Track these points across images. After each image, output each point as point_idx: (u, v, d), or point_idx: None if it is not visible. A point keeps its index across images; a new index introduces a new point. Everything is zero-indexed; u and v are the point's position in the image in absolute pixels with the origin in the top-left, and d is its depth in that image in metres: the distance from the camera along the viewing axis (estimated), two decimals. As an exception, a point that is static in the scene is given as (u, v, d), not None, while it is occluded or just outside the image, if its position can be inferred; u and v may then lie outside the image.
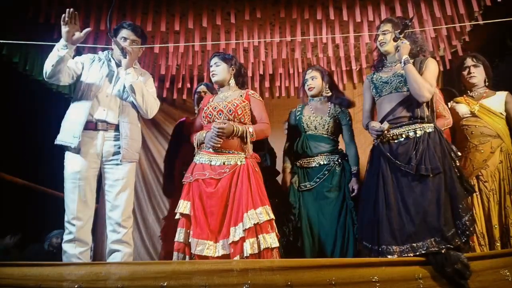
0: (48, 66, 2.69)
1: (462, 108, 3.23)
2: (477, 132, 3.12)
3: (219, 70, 2.93)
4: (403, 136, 2.64)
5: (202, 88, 3.61)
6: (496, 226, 2.92)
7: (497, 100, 3.18)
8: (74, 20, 2.66)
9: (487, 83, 3.28)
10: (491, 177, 3.03)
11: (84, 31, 2.70)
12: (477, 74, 3.25)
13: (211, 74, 2.96)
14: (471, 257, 2.34)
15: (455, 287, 2.22)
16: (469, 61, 3.29)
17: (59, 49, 2.66)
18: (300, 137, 3.23)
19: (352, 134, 3.21)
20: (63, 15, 2.64)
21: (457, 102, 3.30)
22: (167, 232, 3.40)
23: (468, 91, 3.31)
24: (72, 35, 2.67)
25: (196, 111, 3.63)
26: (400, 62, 2.68)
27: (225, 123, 2.70)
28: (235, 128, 2.71)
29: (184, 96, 5.00)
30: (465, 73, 3.29)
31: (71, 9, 2.65)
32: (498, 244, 2.88)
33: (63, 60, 2.68)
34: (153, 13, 3.74)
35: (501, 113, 3.14)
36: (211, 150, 2.76)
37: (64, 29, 2.64)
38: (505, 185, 3.00)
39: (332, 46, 4.06)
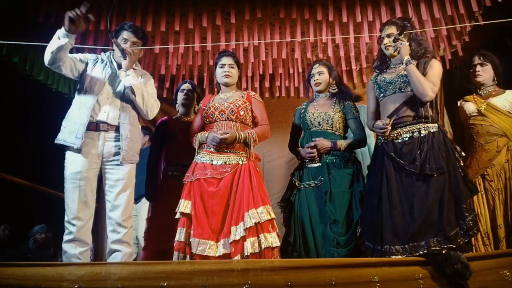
0: (48, 53, 2.66)
1: (470, 107, 3.21)
2: (483, 131, 3.11)
3: (234, 72, 2.92)
4: (407, 135, 2.64)
5: (188, 86, 3.58)
6: (501, 225, 2.91)
7: (505, 99, 3.15)
8: (84, 16, 2.60)
9: (496, 81, 3.25)
10: (497, 176, 3.02)
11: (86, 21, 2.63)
12: (483, 73, 3.22)
13: (224, 74, 2.90)
14: (471, 257, 2.34)
15: (455, 287, 2.22)
16: (476, 60, 3.26)
17: (60, 37, 2.61)
18: (304, 135, 3.17)
19: (359, 126, 3.06)
20: (77, 9, 2.56)
21: (466, 101, 3.28)
22: (150, 233, 3.35)
23: (478, 89, 3.28)
24: (75, 26, 2.59)
25: (177, 108, 3.62)
26: (402, 63, 2.69)
27: (227, 133, 2.69)
28: (237, 136, 2.71)
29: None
30: (472, 71, 3.27)
31: (87, 4, 2.58)
32: (503, 243, 2.87)
33: (63, 48, 2.64)
34: (153, 13, 3.74)
35: (509, 112, 3.11)
36: (212, 149, 2.77)
37: (66, 19, 2.57)
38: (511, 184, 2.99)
39: (332, 46, 4.05)
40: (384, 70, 2.90)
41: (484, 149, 3.08)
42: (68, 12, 2.58)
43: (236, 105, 2.81)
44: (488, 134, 3.09)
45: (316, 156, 2.98)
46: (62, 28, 2.62)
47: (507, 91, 3.19)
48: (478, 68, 3.23)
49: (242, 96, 2.90)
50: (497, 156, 3.04)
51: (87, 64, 2.88)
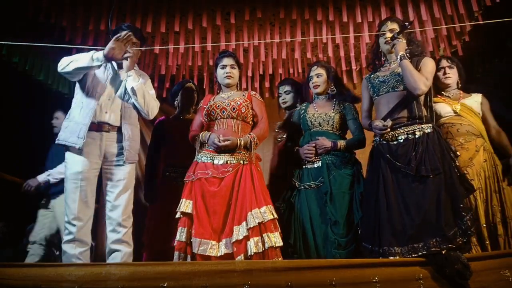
0: (71, 66, 2.69)
1: (444, 107, 3.21)
2: (463, 130, 3.11)
3: (235, 73, 2.93)
4: (402, 137, 2.64)
5: (191, 85, 3.60)
6: (484, 225, 2.89)
7: (475, 100, 3.21)
8: (126, 42, 2.68)
9: (460, 85, 3.31)
10: (477, 176, 3.00)
11: (126, 54, 2.72)
12: (452, 75, 3.28)
13: (225, 75, 2.90)
14: (471, 257, 2.35)
15: (456, 288, 2.23)
16: (444, 62, 3.31)
17: (94, 59, 2.67)
18: (304, 135, 3.17)
19: (359, 126, 3.06)
20: (120, 34, 2.66)
21: (434, 102, 3.19)
22: (149, 234, 3.37)
23: (443, 92, 3.31)
24: (115, 52, 2.67)
25: (176, 106, 3.63)
26: (397, 58, 2.69)
27: (228, 140, 2.69)
28: (238, 143, 2.71)
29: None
30: (440, 74, 3.29)
31: (130, 33, 2.69)
32: (487, 242, 2.86)
33: (90, 69, 2.72)
34: (153, 14, 3.74)
35: (479, 113, 3.17)
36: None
37: (111, 45, 2.64)
38: (491, 183, 2.99)
39: (332, 46, 4.05)
40: (378, 69, 2.90)
41: (463, 147, 3.06)
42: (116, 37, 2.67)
43: (237, 103, 2.81)
44: (467, 134, 3.09)
45: (314, 156, 2.98)
46: (100, 53, 2.66)
47: (473, 95, 3.25)
48: (448, 70, 3.28)
49: (243, 95, 2.91)
50: (476, 156, 3.04)
51: None
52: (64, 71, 2.73)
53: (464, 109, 3.16)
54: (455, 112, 3.17)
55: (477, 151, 3.05)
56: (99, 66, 2.75)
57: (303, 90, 3.41)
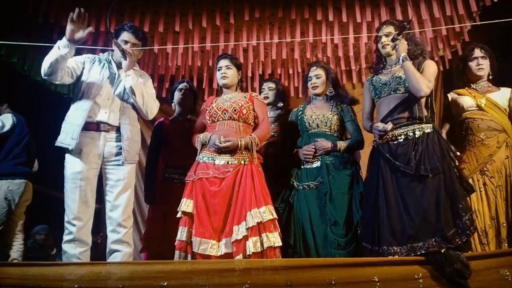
0: (46, 64, 2.66)
1: (468, 100, 3.12)
2: (484, 125, 3.03)
3: (231, 73, 2.93)
4: (402, 137, 2.64)
5: (185, 85, 3.58)
6: (504, 224, 2.83)
7: (501, 96, 3.08)
8: (83, 20, 2.62)
9: (490, 77, 3.17)
10: (498, 173, 2.93)
11: (86, 30, 2.65)
12: (485, 67, 3.13)
13: (221, 75, 2.91)
14: (471, 256, 2.34)
15: (455, 287, 2.22)
16: (478, 52, 3.16)
17: (60, 47, 2.62)
18: (302, 136, 3.16)
19: (357, 128, 3.06)
20: (72, 13, 2.59)
21: (459, 94, 3.20)
22: (149, 235, 3.37)
23: (471, 84, 3.19)
24: (76, 33, 2.62)
25: (174, 108, 3.62)
26: (399, 60, 2.69)
27: (229, 141, 2.69)
28: (239, 144, 2.71)
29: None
30: (473, 64, 3.16)
31: (82, 9, 2.61)
32: (505, 244, 2.80)
33: (63, 59, 2.65)
34: (153, 14, 3.74)
35: (506, 109, 3.05)
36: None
37: (69, 27, 2.60)
38: None
39: (332, 46, 4.06)
40: (380, 71, 2.90)
41: (484, 144, 3.00)
42: (70, 18, 2.60)
43: (239, 105, 2.82)
44: (488, 129, 3.01)
45: (312, 157, 2.98)
46: (63, 38, 2.63)
47: (502, 89, 3.12)
48: (481, 61, 3.13)
49: (245, 97, 2.92)
50: (497, 152, 2.96)
51: (84, 66, 2.88)
52: (44, 74, 2.70)
53: (489, 104, 3.05)
54: (478, 106, 3.07)
55: (498, 147, 2.97)
56: (72, 56, 2.69)
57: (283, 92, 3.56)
